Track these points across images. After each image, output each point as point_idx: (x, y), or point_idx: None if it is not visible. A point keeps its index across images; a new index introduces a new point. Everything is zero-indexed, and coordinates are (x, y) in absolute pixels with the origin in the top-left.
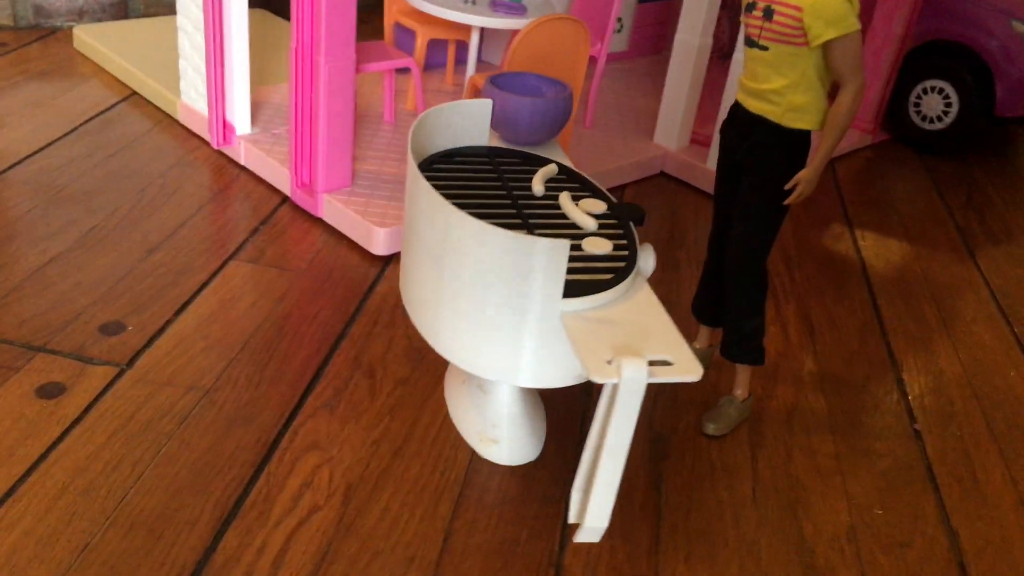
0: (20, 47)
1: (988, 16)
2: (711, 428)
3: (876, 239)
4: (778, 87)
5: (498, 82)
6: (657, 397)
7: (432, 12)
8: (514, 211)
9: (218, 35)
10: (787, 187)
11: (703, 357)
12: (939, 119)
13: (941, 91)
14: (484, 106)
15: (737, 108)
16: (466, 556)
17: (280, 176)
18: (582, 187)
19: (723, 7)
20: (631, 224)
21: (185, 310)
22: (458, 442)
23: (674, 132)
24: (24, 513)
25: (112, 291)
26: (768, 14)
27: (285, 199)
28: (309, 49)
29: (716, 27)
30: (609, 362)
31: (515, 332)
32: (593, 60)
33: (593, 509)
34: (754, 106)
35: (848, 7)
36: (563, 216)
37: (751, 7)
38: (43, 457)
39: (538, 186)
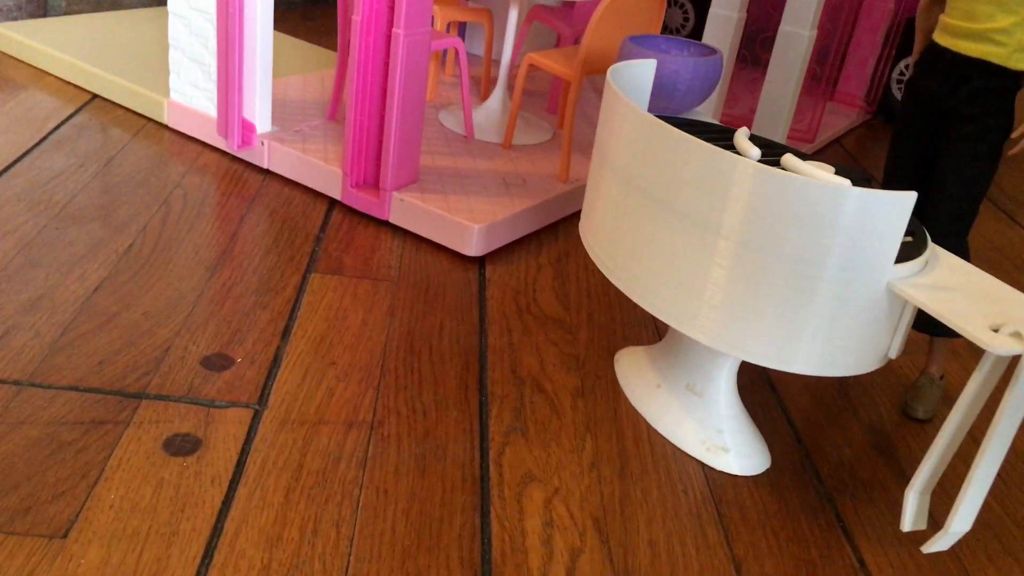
0: None
1: None
2: (920, 411)
3: None
4: (1006, 25)
5: (630, 47)
6: (822, 382)
7: None
8: None
9: (238, 16)
10: (1016, 135)
11: None
12: None
13: None
14: (648, 67)
15: (943, 54)
16: None
17: (321, 177)
18: (774, 149)
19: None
20: (870, 185)
21: (291, 333)
22: (680, 455)
23: (708, 113)
24: None
25: (192, 319)
26: None
27: (333, 202)
28: (378, 21)
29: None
30: (995, 331)
31: (810, 304)
32: None
33: (963, 511)
34: (971, 49)
35: None
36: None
37: None
38: (218, 530)
39: (752, 148)
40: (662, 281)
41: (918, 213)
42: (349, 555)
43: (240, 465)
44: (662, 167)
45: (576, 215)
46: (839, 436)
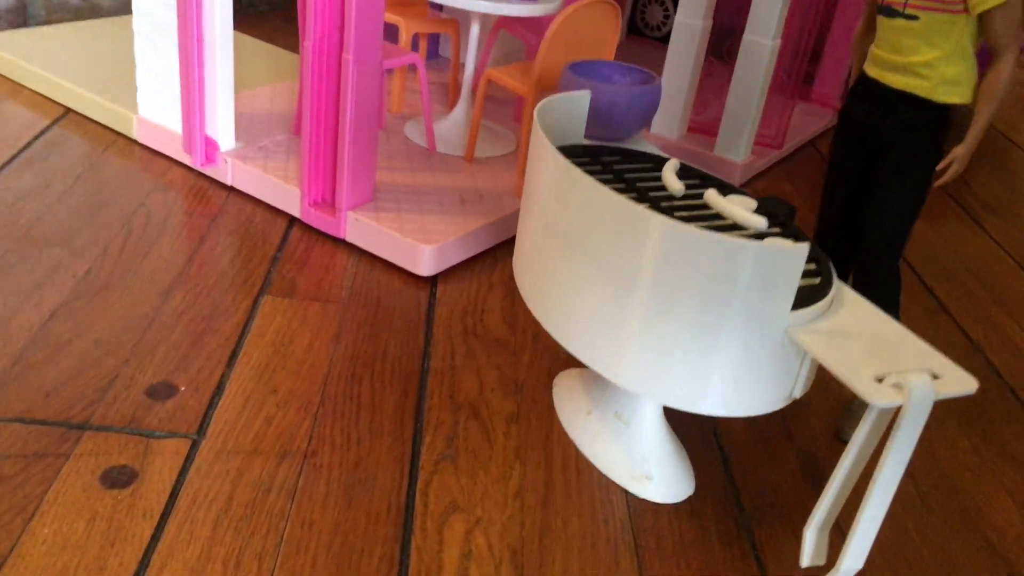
0: None
1: None
2: (851, 435)
3: None
4: (929, 59)
5: (574, 72)
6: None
7: (455, 4)
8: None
9: (198, 37)
10: (941, 166)
11: None
12: None
13: None
14: (583, 99)
15: (872, 84)
16: None
17: (281, 195)
18: (705, 182)
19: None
20: (792, 220)
21: (236, 359)
22: (605, 483)
23: (676, 120)
24: None
25: (141, 345)
26: None
27: (292, 220)
28: (329, 46)
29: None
30: (880, 380)
31: (714, 350)
32: None
33: (853, 550)
34: (897, 81)
35: None
36: (717, 216)
37: None
38: (145, 565)
39: (676, 184)
40: (580, 323)
41: (853, 238)
42: None
43: (173, 497)
44: (578, 214)
45: None
46: (768, 461)
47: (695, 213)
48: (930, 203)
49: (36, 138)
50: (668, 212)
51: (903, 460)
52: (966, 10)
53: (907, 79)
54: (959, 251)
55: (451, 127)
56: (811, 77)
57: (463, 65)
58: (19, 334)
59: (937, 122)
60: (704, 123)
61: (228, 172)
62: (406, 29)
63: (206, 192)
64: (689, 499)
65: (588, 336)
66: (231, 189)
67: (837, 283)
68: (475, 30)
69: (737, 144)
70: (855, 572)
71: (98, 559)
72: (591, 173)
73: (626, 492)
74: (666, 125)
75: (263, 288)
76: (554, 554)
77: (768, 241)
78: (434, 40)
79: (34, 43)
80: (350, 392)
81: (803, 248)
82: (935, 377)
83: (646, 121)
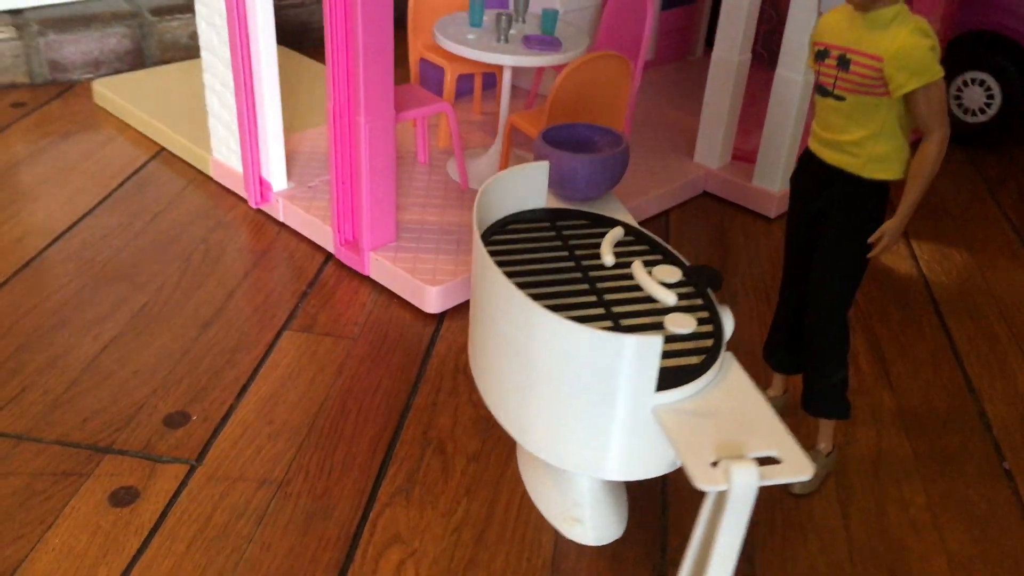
0: (39, 106)
1: None
2: (797, 487)
3: (934, 249)
4: (857, 138)
5: (548, 136)
6: None
7: (463, 54)
8: (587, 286)
9: (249, 92)
10: (871, 240)
11: (780, 405)
12: (981, 111)
13: (982, 83)
14: (541, 168)
15: (811, 158)
16: None
17: (322, 233)
18: (651, 248)
19: (761, 21)
20: (710, 292)
21: (246, 392)
22: (540, 523)
23: (715, 151)
24: None
25: (171, 377)
26: (844, 63)
27: (329, 256)
28: (347, 108)
29: (755, 42)
30: (715, 464)
31: (602, 427)
32: None
33: None
34: (831, 157)
35: (932, 55)
36: (638, 288)
37: (823, 55)
38: (126, 574)
39: (608, 256)
40: (500, 395)
41: (802, 300)
42: None
43: (162, 517)
44: (489, 298)
45: None
46: None
47: (620, 284)
48: (973, 230)
49: (130, 177)
50: (593, 283)
51: (733, 543)
52: (888, 93)
53: (840, 156)
54: (993, 286)
55: (486, 165)
56: None
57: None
58: (75, 365)
59: (871, 197)
60: (749, 151)
61: (280, 210)
62: (451, 72)
63: (263, 228)
64: (617, 542)
65: (507, 410)
66: (282, 226)
67: (724, 357)
68: (507, 76)
69: (773, 175)
70: None
71: (92, 568)
72: (541, 239)
73: (557, 533)
74: (707, 155)
75: (287, 322)
76: None
77: (678, 322)
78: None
79: (140, 84)
80: (336, 425)
81: (656, 341)
82: (777, 461)
83: (613, 184)
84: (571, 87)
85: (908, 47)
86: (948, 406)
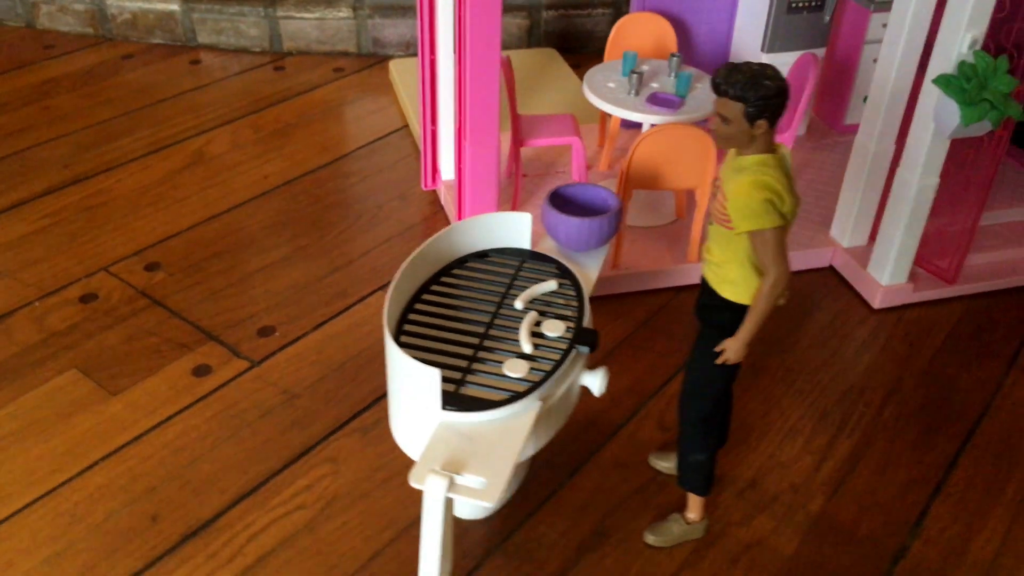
0: (353, 73)
1: None
2: (650, 539)
3: None
4: (719, 260)
5: (563, 191)
6: (647, 490)
7: (588, 97)
8: (485, 325)
9: (431, 89)
10: (717, 349)
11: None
12: None
13: None
14: (522, 218)
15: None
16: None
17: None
18: (565, 305)
19: None
20: (571, 351)
21: (322, 327)
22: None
23: (846, 231)
24: (134, 455)
25: (285, 301)
26: (715, 193)
27: None
28: (459, 134)
29: None
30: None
31: (421, 427)
32: None
33: None
34: (705, 271)
35: (765, 206)
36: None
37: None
38: (170, 419)
39: (519, 303)
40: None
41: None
42: (202, 456)
43: (213, 392)
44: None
45: (608, 298)
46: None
47: (511, 327)
48: None
49: (375, 140)
50: (492, 321)
51: (431, 542)
52: (733, 228)
53: (708, 271)
54: None
55: None
56: None
57: None
58: (235, 276)
59: (724, 311)
60: (944, 268)
61: (442, 195)
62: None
63: (429, 207)
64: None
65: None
66: (441, 208)
67: (528, 403)
68: (613, 124)
69: (883, 266)
70: None
71: (155, 408)
72: (496, 275)
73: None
74: (840, 232)
75: (384, 286)
76: (352, 512)
77: (513, 367)
78: None
79: (409, 70)
80: (361, 370)
81: (434, 372)
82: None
83: (601, 243)
84: (646, 154)
85: (743, 196)
86: (873, 531)
